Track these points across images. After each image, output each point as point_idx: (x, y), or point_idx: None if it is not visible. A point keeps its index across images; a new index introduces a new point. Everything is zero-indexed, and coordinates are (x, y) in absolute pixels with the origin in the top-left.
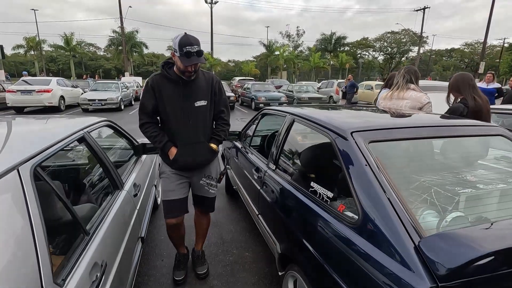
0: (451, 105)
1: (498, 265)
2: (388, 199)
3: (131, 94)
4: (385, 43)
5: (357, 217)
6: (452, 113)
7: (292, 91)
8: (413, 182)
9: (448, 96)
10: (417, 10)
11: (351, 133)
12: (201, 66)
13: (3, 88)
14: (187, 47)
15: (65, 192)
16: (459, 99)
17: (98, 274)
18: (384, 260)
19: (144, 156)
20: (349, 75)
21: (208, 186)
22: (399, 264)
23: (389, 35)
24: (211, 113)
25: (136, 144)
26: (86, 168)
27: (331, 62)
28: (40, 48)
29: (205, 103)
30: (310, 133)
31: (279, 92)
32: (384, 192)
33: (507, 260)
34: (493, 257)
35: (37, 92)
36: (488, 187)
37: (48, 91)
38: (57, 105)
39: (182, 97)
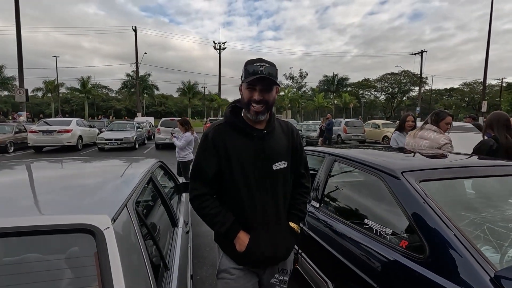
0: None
1: None
2: (454, 234)
3: (144, 134)
4: (385, 84)
5: (424, 252)
6: (481, 145)
7: (300, 130)
8: (464, 219)
9: (484, 133)
10: (415, 54)
11: (402, 173)
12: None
13: (25, 129)
14: (254, 64)
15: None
16: (491, 135)
17: None
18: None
19: (184, 195)
20: (328, 114)
21: (281, 284)
22: None
23: (389, 76)
24: (291, 179)
25: (178, 182)
26: (153, 206)
27: (335, 102)
28: (57, 91)
29: (285, 165)
30: (351, 173)
31: None
32: (448, 227)
33: None
34: None
35: (58, 132)
36: None
37: (68, 131)
38: (75, 144)
39: (257, 156)
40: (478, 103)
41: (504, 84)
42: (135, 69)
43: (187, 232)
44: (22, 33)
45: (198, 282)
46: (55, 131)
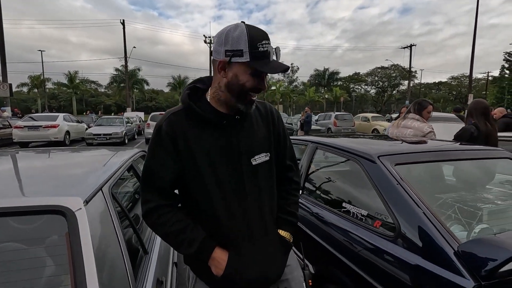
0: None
1: None
2: (423, 212)
3: (134, 129)
4: (376, 78)
5: (394, 230)
6: (463, 132)
7: (291, 124)
8: (437, 200)
9: (466, 121)
10: (404, 48)
11: (378, 157)
12: None
13: (10, 125)
14: (264, 43)
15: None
16: (472, 122)
17: None
18: (426, 265)
19: None
20: (306, 108)
21: None
22: (442, 268)
23: (379, 70)
24: (275, 174)
25: None
26: (133, 194)
27: (326, 96)
28: (44, 86)
29: (267, 158)
30: (332, 159)
31: None
32: (418, 206)
33: None
34: None
35: (44, 127)
36: (505, 202)
37: (54, 127)
38: (63, 139)
39: (230, 151)
40: (465, 96)
41: (490, 78)
42: (124, 64)
43: None
44: (5, 26)
45: (185, 272)
46: (41, 126)
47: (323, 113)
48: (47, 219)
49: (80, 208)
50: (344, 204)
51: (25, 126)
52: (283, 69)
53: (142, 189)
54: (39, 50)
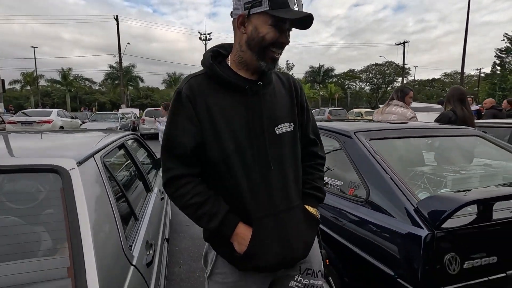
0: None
1: (479, 216)
2: (390, 178)
3: (129, 124)
4: (370, 74)
5: (365, 195)
6: (442, 117)
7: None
8: (409, 173)
9: (445, 106)
10: (397, 44)
11: (354, 133)
12: None
13: (3, 120)
14: None
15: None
16: (450, 108)
17: (150, 251)
18: (391, 221)
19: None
20: None
21: None
22: (404, 222)
23: (373, 67)
24: (299, 146)
25: (155, 157)
26: (125, 169)
27: (321, 93)
28: (36, 83)
29: (291, 128)
30: None
31: None
32: (386, 173)
33: (485, 210)
34: (469, 206)
35: (37, 123)
36: (469, 172)
37: (48, 122)
38: None
39: (252, 118)
40: None
41: (482, 75)
42: (118, 60)
43: (162, 198)
44: None
45: (178, 253)
46: (34, 121)
47: (317, 109)
48: (44, 177)
49: (74, 168)
50: (325, 178)
51: (18, 122)
52: (306, 15)
53: (163, 158)
54: (32, 47)
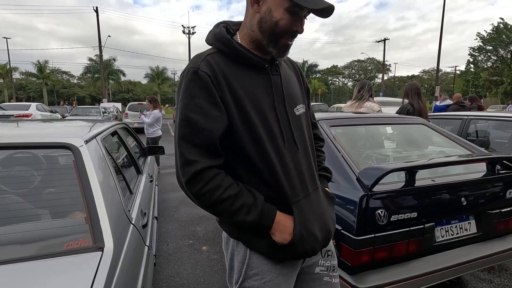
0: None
1: (406, 183)
2: (341, 156)
3: (111, 119)
4: (353, 70)
5: None
6: (401, 110)
7: None
8: (362, 153)
9: (403, 100)
10: (378, 41)
11: (318, 121)
12: None
13: None
14: None
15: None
16: (408, 102)
17: (145, 217)
18: (340, 189)
19: (149, 157)
20: None
21: (329, 272)
22: (348, 188)
23: (356, 63)
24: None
25: (143, 146)
26: (119, 152)
27: None
28: (10, 76)
29: (304, 109)
30: None
31: None
32: (339, 151)
33: (409, 178)
34: (392, 172)
35: (15, 117)
36: (409, 153)
37: (27, 116)
38: None
39: (275, 98)
40: (433, 88)
41: (457, 72)
42: (98, 53)
43: (151, 181)
44: None
45: (165, 233)
46: (12, 115)
47: None
48: (59, 152)
49: (82, 145)
50: None
51: None
52: (327, 5)
53: (182, 149)
54: (4, 38)
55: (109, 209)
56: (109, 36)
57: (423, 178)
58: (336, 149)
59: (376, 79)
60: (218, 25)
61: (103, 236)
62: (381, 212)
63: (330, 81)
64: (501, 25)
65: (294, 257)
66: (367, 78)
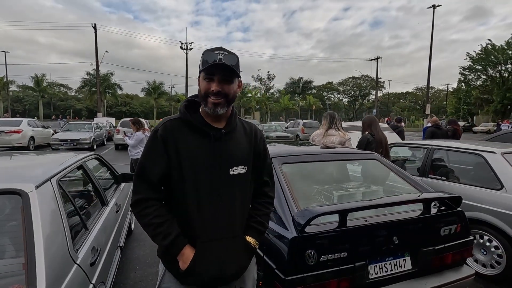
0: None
1: (341, 220)
2: (285, 196)
3: (104, 134)
4: (348, 87)
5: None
6: (362, 140)
7: (261, 130)
8: (314, 189)
9: (363, 131)
10: (371, 60)
11: (271, 158)
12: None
13: None
14: (214, 52)
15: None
16: (367, 132)
17: (96, 254)
18: (277, 228)
19: (122, 184)
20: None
21: None
22: (284, 229)
23: (350, 80)
24: (252, 187)
25: (117, 174)
26: (82, 188)
27: (300, 104)
28: (7, 88)
29: (244, 170)
30: None
31: None
32: (283, 191)
33: (341, 217)
34: (323, 215)
35: (6, 133)
36: (354, 189)
37: (18, 132)
38: (26, 145)
39: (212, 160)
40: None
41: (450, 89)
42: (95, 68)
43: (117, 211)
44: None
45: (135, 259)
46: (3, 131)
47: (293, 121)
48: (9, 198)
49: (32, 191)
50: None
51: None
52: (210, 64)
53: (135, 182)
54: (3, 51)
55: (49, 254)
56: (106, 51)
57: (357, 218)
58: (281, 189)
59: (371, 95)
60: (187, 98)
61: (37, 281)
62: (311, 252)
63: (326, 97)
64: (489, 46)
65: (193, 284)
66: (361, 94)
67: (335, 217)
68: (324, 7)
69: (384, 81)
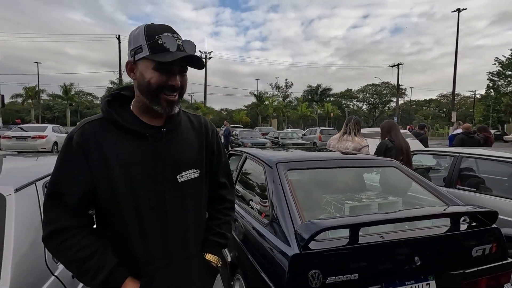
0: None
1: (352, 236)
2: (287, 205)
3: None
4: (367, 94)
5: (269, 219)
6: (380, 146)
7: (277, 138)
8: (323, 199)
9: (382, 137)
10: (392, 66)
11: (276, 163)
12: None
13: None
14: (168, 35)
15: None
16: (386, 138)
17: None
18: (277, 242)
19: None
20: (225, 122)
21: None
22: (285, 244)
23: (370, 87)
24: (207, 192)
25: None
26: None
27: (318, 111)
28: (38, 97)
29: (197, 174)
30: (254, 166)
31: (265, 138)
32: (286, 201)
33: (352, 232)
34: (330, 230)
35: (32, 138)
36: (368, 201)
37: (42, 137)
38: (50, 150)
39: (152, 166)
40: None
41: (478, 96)
42: (118, 77)
43: None
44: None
45: None
46: (29, 137)
47: (309, 128)
48: None
49: (10, 194)
50: (250, 202)
51: (13, 137)
52: (183, 56)
53: (45, 208)
54: (36, 62)
55: (21, 263)
56: None
57: (371, 234)
58: (284, 198)
59: (392, 102)
60: (110, 93)
61: None
62: (315, 273)
63: (344, 105)
64: None
65: None
66: (381, 102)
67: (345, 232)
68: (342, 15)
69: (405, 88)
